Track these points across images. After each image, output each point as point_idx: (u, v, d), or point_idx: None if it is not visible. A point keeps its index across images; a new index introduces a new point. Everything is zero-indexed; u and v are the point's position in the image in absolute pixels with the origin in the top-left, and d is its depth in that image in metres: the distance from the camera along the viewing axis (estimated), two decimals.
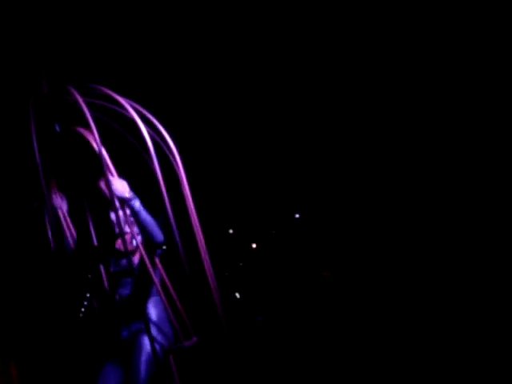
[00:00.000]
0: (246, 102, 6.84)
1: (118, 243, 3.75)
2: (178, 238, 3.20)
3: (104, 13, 5.45)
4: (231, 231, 10.81)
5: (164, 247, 3.77)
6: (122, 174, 3.58)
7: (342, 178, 8.80)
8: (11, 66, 5.12)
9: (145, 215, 3.52)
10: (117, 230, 3.70)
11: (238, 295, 11.96)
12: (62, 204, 3.88)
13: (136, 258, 3.69)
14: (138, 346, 3.63)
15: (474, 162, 7.45)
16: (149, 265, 3.41)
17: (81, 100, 3.57)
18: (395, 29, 6.53)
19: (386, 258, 8.80)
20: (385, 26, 6.51)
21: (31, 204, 4.00)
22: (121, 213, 3.54)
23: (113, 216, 3.74)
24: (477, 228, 7.41)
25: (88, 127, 3.51)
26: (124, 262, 3.70)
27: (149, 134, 3.44)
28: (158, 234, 3.56)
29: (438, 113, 7.42)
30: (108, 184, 3.36)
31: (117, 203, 3.46)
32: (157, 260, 3.64)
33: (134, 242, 3.66)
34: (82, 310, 9.25)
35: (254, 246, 11.78)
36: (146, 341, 3.62)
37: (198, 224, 3.54)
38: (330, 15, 6.32)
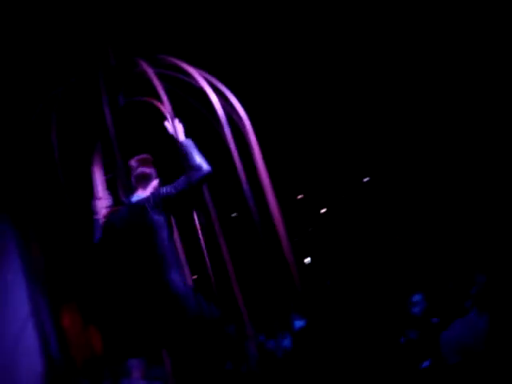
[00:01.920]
0: (316, 67, 6.71)
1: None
2: (252, 207, 3.22)
3: None
4: (300, 196, 10.79)
5: (234, 214, 3.81)
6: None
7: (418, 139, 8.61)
8: (77, 39, 5.18)
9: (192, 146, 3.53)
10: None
11: (307, 260, 11.99)
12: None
13: None
14: None
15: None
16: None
17: (150, 71, 3.59)
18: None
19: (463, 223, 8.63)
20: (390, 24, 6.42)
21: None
22: None
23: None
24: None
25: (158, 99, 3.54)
26: None
27: (220, 103, 3.43)
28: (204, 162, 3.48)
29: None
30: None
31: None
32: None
33: None
34: None
35: (323, 210, 11.75)
36: None
37: (271, 192, 3.54)
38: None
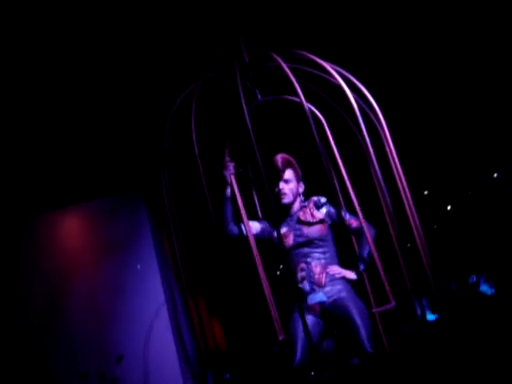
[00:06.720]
0: (448, 60, 6.47)
1: (301, 214, 4.07)
2: (389, 204, 3.19)
3: None
4: (426, 192, 10.54)
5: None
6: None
7: None
8: (208, 37, 5.28)
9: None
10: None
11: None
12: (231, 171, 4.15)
13: (316, 229, 4.01)
14: (346, 308, 3.78)
15: None
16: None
17: (285, 66, 3.60)
18: None
19: None
20: None
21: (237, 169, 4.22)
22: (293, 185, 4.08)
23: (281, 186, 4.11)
24: None
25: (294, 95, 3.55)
26: (306, 232, 4.01)
27: (355, 101, 3.39)
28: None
29: None
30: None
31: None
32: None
33: (318, 215, 4.03)
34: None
35: (448, 207, 11.42)
36: (350, 304, 3.78)
37: (406, 187, 3.49)
38: None
